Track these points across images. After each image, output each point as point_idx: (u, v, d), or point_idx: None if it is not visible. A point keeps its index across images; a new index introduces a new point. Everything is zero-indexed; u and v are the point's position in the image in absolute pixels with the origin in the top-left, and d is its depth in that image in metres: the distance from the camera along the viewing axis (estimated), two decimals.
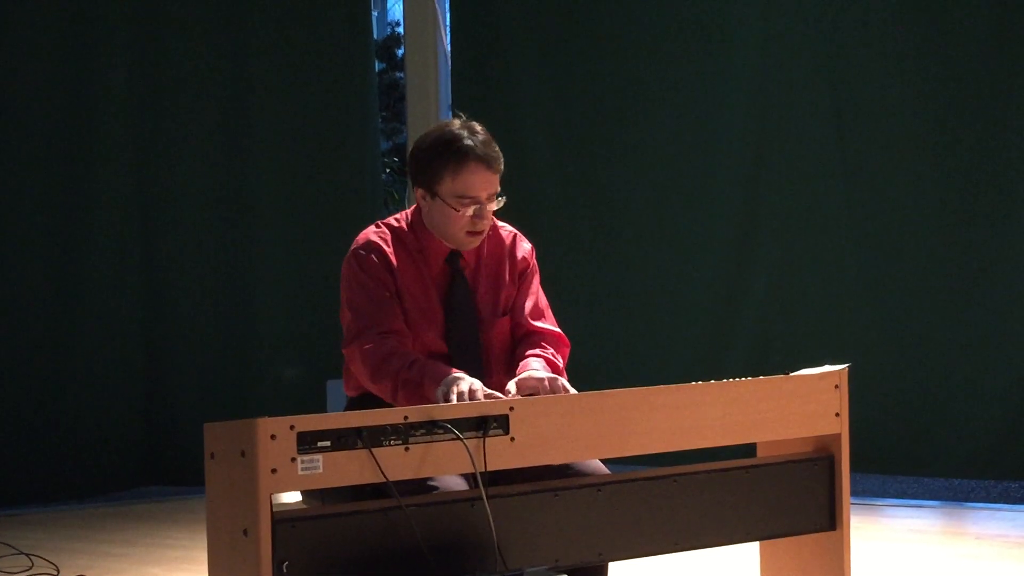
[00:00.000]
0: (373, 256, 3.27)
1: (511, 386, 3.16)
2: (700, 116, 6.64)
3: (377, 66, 12.12)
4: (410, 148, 3.31)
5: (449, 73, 7.46)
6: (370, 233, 3.33)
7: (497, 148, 3.24)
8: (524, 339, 3.38)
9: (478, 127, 3.25)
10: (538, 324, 3.40)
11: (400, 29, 14.79)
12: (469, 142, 3.18)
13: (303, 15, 7.34)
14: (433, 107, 7.44)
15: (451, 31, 7.47)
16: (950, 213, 6.03)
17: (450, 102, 7.46)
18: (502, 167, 3.24)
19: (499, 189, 3.25)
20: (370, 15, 7.83)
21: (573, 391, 3.11)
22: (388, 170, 15.03)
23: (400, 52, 15.92)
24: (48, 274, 6.69)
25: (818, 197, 6.34)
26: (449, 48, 7.50)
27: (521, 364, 3.28)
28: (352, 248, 3.32)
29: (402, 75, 10.99)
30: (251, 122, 7.20)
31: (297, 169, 7.31)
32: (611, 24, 6.84)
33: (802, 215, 6.38)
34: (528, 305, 3.40)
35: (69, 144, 6.76)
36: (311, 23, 7.35)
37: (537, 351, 3.33)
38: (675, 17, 6.69)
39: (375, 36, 9.50)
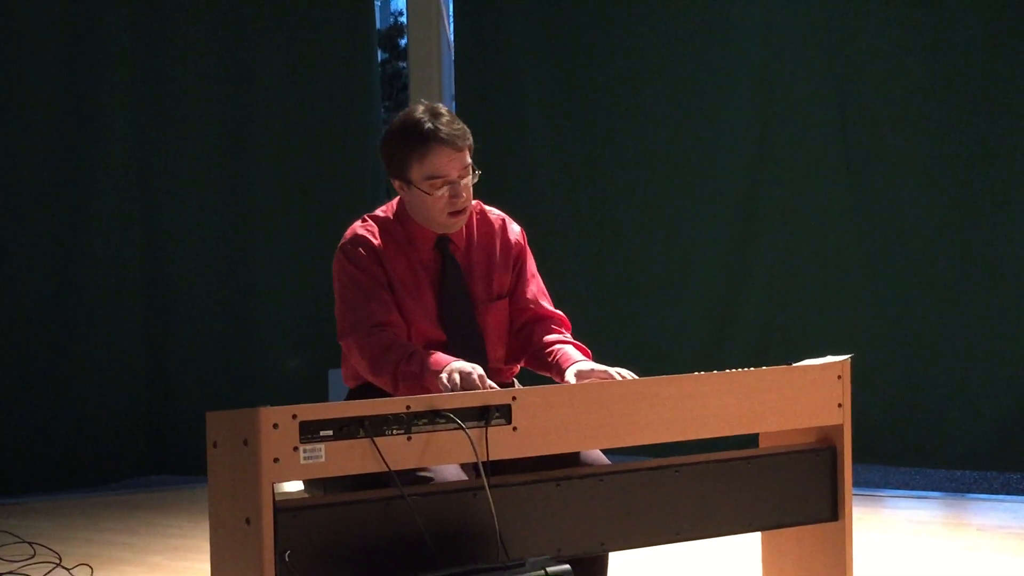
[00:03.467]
0: (361, 249, 3.27)
1: (571, 378, 3.17)
2: (703, 107, 6.63)
3: (380, 56, 12.10)
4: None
5: (452, 63, 7.46)
6: (356, 227, 3.33)
7: (461, 125, 3.25)
8: (535, 323, 3.39)
9: (441, 108, 3.26)
10: (546, 307, 3.42)
11: (403, 19, 14.77)
12: (429, 125, 3.20)
13: (305, 6, 7.34)
14: (436, 97, 7.43)
15: (454, 21, 7.47)
16: (953, 205, 6.03)
17: (453, 92, 7.46)
18: (469, 142, 3.26)
19: (470, 164, 3.26)
20: (372, 5, 7.83)
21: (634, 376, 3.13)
22: None
23: (403, 42, 15.90)
24: (51, 265, 6.70)
25: (820, 188, 6.34)
26: (452, 38, 7.49)
27: (558, 352, 3.30)
28: (340, 243, 3.32)
29: (405, 65, 10.98)
30: (253, 113, 7.20)
31: (299, 160, 7.31)
32: (614, 14, 6.83)
33: (804, 206, 6.38)
34: (532, 289, 3.42)
35: (71, 136, 6.76)
36: (313, 13, 7.34)
37: (561, 337, 3.36)
38: (678, 8, 6.68)
39: (378, 26, 9.48)
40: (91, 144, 6.80)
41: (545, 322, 3.39)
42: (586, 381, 3.14)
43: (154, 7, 6.97)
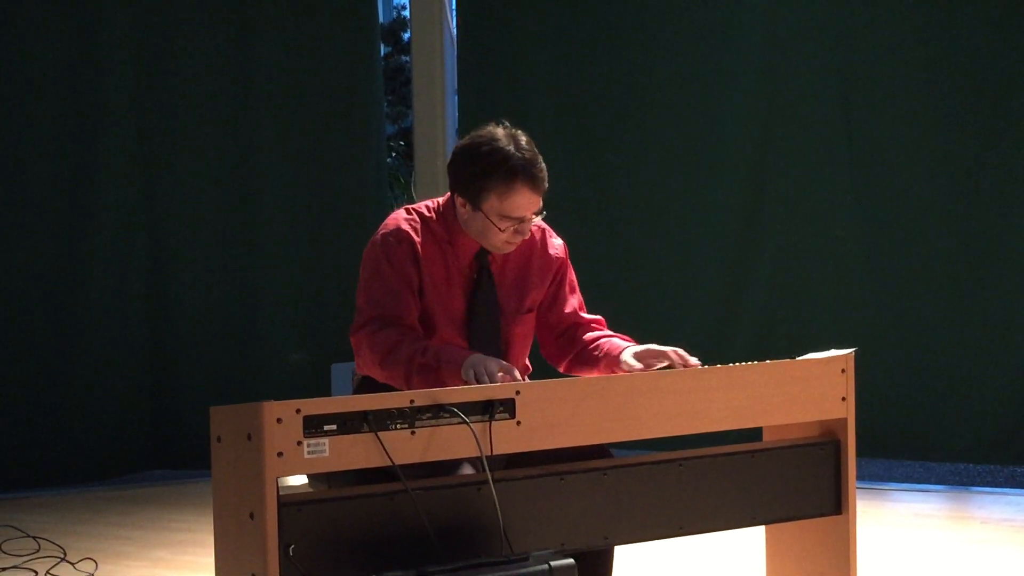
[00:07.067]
0: (402, 246, 3.20)
1: (629, 359, 3.18)
2: (707, 102, 6.62)
3: (383, 50, 12.10)
4: (451, 152, 3.23)
5: (455, 57, 7.45)
6: (400, 220, 3.25)
7: (542, 163, 3.16)
8: (576, 327, 3.40)
9: (523, 140, 3.16)
10: (584, 316, 3.43)
11: (406, 12, 14.77)
12: (518, 163, 3.11)
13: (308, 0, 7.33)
14: (439, 91, 7.43)
15: (457, 14, 7.46)
16: (956, 199, 6.02)
17: (456, 86, 7.45)
18: (547, 184, 3.18)
19: (542, 205, 3.20)
20: None
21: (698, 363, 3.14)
22: (394, 154, 15.03)
23: (406, 35, 15.90)
24: (54, 260, 6.70)
25: (824, 183, 6.33)
26: (455, 31, 7.48)
27: (605, 344, 3.31)
28: (381, 232, 3.24)
29: (408, 59, 10.97)
30: (256, 107, 7.19)
31: (302, 154, 7.30)
32: (618, 8, 6.82)
33: (808, 201, 6.37)
34: (573, 303, 3.43)
35: (74, 131, 6.75)
36: (316, 7, 7.33)
37: (604, 332, 3.38)
38: (683, 2, 6.67)
39: (381, 19, 9.49)
40: (94, 139, 6.79)
41: (586, 324, 3.41)
42: (638, 366, 3.14)
43: (155, 2, 6.96)
